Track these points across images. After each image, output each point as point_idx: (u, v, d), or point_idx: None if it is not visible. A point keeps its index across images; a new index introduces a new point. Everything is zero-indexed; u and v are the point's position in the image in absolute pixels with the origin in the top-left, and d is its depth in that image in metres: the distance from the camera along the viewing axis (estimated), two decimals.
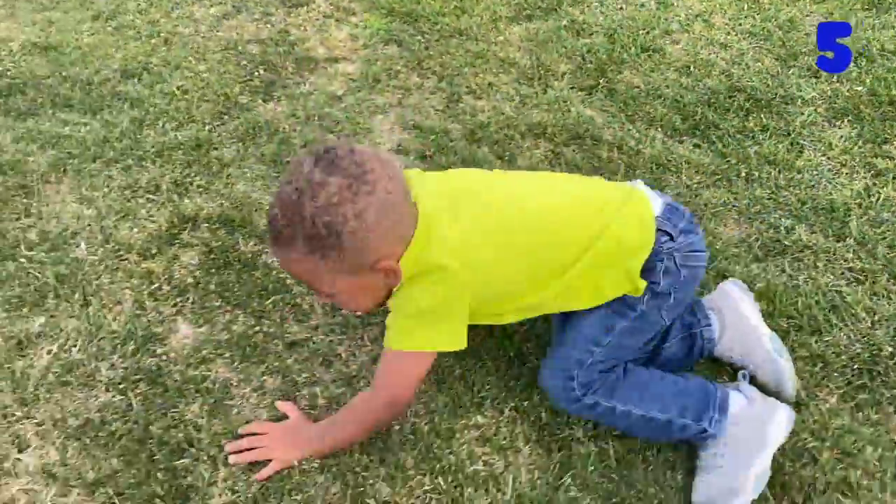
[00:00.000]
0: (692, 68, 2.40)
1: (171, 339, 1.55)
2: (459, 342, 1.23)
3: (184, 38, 2.45)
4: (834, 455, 1.39)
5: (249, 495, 1.30)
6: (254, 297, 1.64)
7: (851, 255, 1.78)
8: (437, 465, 1.34)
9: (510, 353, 1.54)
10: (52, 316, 1.57)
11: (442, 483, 1.31)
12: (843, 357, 1.55)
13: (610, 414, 1.33)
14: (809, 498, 1.33)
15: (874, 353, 1.55)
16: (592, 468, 1.35)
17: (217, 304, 1.62)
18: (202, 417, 1.41)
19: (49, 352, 1.50)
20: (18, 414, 1.40)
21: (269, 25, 2.54)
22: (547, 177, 1.53)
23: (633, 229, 1.27)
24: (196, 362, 1.50)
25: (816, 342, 1.57)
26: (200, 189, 1.89)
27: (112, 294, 1.62)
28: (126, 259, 1.70)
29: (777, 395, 1.41)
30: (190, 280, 1.66)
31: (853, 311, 1.64)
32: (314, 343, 1.55)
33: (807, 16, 2.66)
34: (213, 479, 1.32)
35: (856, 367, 1.53)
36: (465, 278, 1.18)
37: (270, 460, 1.30)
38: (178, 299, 1.62)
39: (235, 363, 1.51)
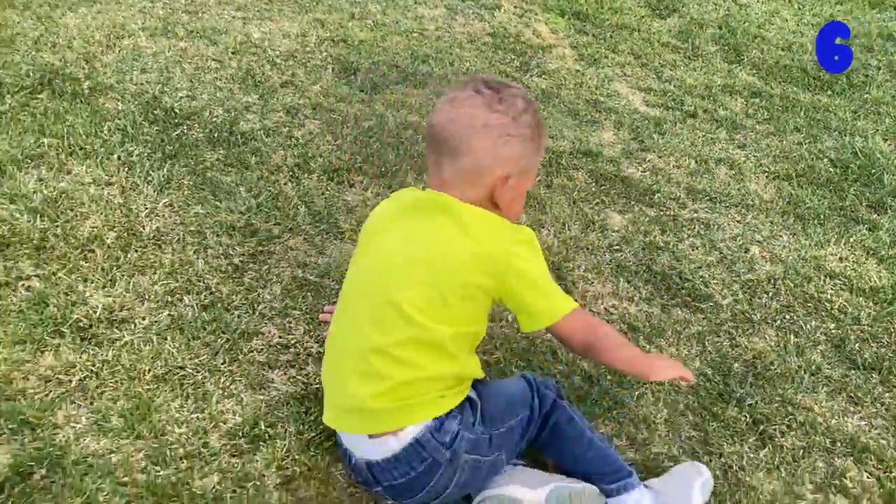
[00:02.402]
0: (792, 48, 3.39)
1: None
2: None
3: (431, 32, 3.08)
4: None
5: None
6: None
7: None
8: None
9: None
10: None
11: None
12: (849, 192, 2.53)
13: None
14: None
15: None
16: None
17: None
18: None
19: None
20: None
21: (485, 23, 3.22)
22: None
23: None
24: None
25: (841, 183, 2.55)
26: (555, 133, 2.57)
27: None
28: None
29: None
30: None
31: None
32: None
33: (837, 7, 3.76)
34: None
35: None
36: None
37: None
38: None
39: None
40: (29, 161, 1.99)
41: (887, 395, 1.77)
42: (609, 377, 1.70)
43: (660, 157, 2.54)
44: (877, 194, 2.48)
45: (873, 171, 2.60)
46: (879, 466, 1.60)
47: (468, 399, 1.30)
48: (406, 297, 1.21)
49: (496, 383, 1.43)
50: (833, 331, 1.94)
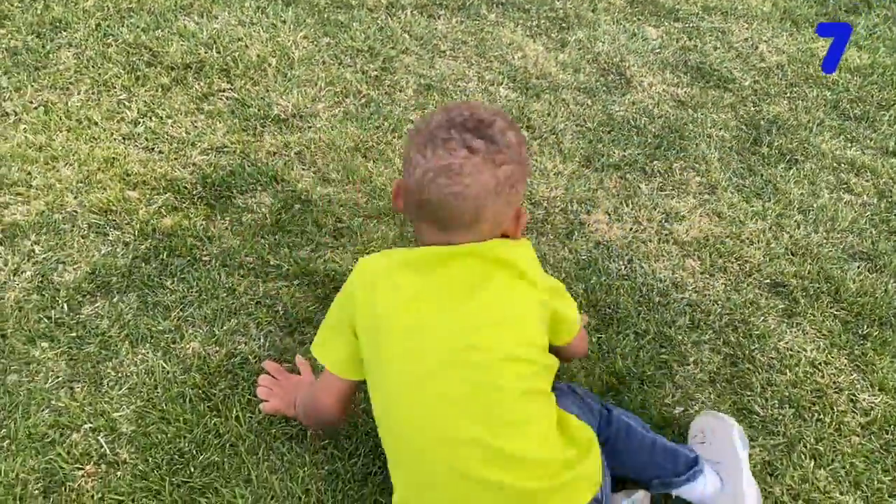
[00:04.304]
0: None
1: None
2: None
3: None
4: None
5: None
6: None
7: None
8: None
9: None
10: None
11: None
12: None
13: None
14: None
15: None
16: None
17: None
18: None
19: None
20: None
21: None
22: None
23: None
24: None
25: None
26: None
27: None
28: None
29: None
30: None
31: None
32: None
33: None
34: None
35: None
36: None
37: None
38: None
39: None
40: (181, 10, 2.41)
41: (873, 134, 2.37)
42: (671, 139, 2.26)
43: None
44: (851, 2, 3.04)
45: None
46: (872, 176, 2.21)
47: None
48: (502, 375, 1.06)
49: None
50: (829, 97, 2.52)
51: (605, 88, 2.42)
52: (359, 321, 1.11)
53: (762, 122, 2.36)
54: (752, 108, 2.43)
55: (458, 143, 1.03)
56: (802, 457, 1.49)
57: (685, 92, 2.46)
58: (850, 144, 2.32)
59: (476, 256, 1.09)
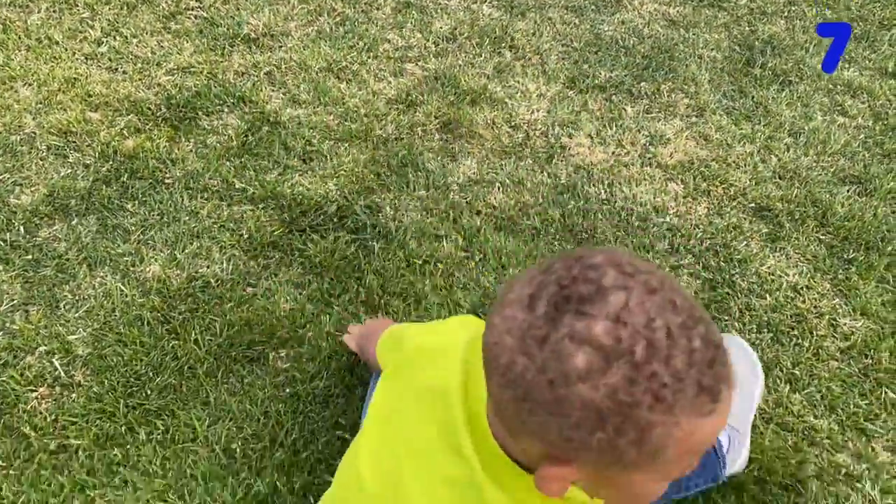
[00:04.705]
0: None
1: None
2: None
3: None
4: None
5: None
6: None
7: None
8: None
9: None
10: None
11: None
12: None
13: None
14: None
15: None
16: None
17: None
18: None
19: None
20: None
21: None
22: None
23: None
24: None
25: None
26: None
27: None
28: None
29: None
30: None
31: None
32: None
33: None
34: None
35: None
36: None
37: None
38: None
39: None
40: None
41: (872, 55, 2.27)
42: (660, 60, 2.16)
43: None
44: None
45: None
46: (869, 97, 2.12)
47: None
48: None
49: None
50: (829, 16, 2.41)
51: (593, 7, 2.32)
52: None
53: (756, 43, 2.26)
54: (747, 28, 2.32)
55: (527, 288, 0.66)
56: (778, 381, 1.46)
57: (677, 11, 2.35)
58: (847, 65, 2.23)
59: (472, 469, 0.75)
